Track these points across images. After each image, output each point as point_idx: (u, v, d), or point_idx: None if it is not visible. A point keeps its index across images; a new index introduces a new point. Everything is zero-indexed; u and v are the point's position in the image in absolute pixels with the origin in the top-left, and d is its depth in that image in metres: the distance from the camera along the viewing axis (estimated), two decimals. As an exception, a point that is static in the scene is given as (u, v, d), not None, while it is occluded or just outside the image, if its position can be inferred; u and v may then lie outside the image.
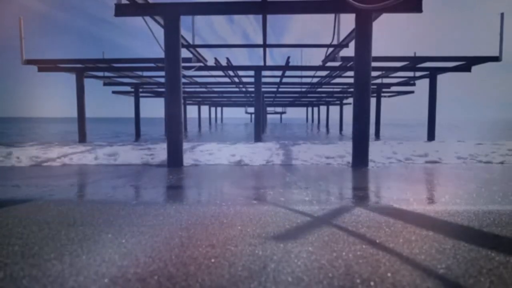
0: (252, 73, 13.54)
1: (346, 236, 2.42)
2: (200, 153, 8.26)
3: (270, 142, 12.36)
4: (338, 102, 29.82)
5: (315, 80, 16.08)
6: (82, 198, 3.99)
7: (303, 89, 20.59)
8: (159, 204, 3.50)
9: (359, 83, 6.36)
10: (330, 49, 9.66)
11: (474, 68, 12.90)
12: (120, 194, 4.07)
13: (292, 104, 39.67)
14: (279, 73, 14.56)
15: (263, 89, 18.22)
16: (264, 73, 14.12)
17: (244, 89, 20.13)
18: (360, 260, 1.99)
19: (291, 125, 41.47)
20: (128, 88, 18.98)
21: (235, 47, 10.34)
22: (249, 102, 33.15)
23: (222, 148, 9.53)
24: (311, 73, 14.24)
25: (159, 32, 6.77)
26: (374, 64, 7.84)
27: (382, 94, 21.26)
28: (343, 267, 1.89)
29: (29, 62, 11.41)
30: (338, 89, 20.49)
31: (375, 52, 6.62)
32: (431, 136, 14.38)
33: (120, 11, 6.19)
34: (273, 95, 23.91)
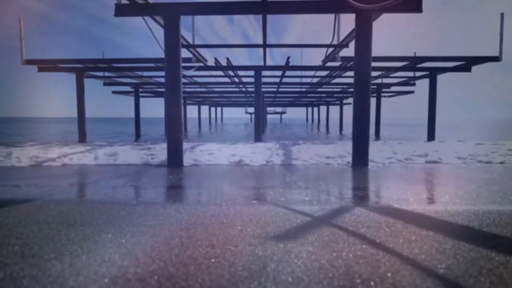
0: (252, 73, 13.54)
1: (346, 236, 2.42)
2: (200, 153, 8.26)
3: (270, 142, 12.35)
4: (338, 102, 29.82)
5: (315, 80, 16.09)
6: (82, 198, 3.99)
7: (303, 89, 20.60)
8: (159, 204, 3.50)
9: (359, 83, 6.36)
10: (330, 49, 9.66)
11: (474, 68, 12.91)
12: (120, 194, 4.07)
13: (292, 104, 39.68)
14: (279, 73, 14.56)
15: (263, 89, 18.22)
16: (264, 73, 14.12)
17: (244, 89, 20.14)
18: (360, 260, 1.99)
19: (291, 125, 41.48)
20: (128, 88, 18.99)
21: (235, 47, 10.35)
22: (249, 102, 33.15)
23: (222, 148, 9.53)
24: (311, 73, 14.25)
25: (159, 32, 6.78)
26: (374, 64, 7.84)
27: (382, 94, 21.26)
28: (343, 267, 1.89)
29: (29, 62, 11.41)
30: (338, 89, 20.50)
31: (375, 52, 6.62)
32: (431, 136, 14.38)
33: (120, 11, 6.20)
34: (273, 95, 23.91)
